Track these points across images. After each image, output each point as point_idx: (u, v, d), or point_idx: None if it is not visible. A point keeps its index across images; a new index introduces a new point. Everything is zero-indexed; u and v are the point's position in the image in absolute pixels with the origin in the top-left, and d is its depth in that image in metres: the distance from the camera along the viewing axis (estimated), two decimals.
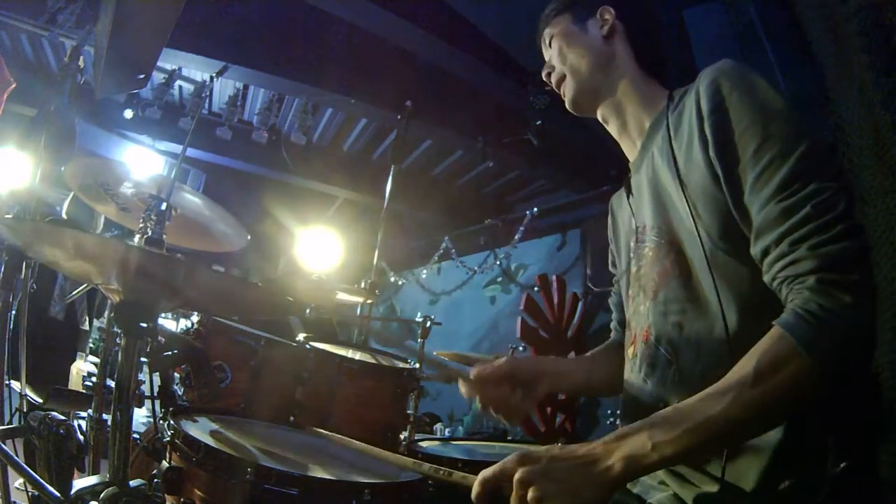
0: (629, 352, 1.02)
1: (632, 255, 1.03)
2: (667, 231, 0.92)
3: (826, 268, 0.69)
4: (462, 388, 1.10)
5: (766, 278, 0.76)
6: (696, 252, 0.85)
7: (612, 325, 1.24)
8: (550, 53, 1.10)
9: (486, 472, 0.71)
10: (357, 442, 1.04)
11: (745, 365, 0.69)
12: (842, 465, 0.75)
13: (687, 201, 0.86)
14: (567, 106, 1.10)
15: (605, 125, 1.10)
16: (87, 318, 3.20)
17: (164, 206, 1.51)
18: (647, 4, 1.11)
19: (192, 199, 1.80)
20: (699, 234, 0.84)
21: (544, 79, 1.12)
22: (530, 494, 0.66)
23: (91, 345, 3.58)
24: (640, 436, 0.69)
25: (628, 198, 1.06)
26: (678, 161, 0.88)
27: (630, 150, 1.07)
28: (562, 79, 1.08)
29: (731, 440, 0.74)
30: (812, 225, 0.71)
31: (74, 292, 2.28)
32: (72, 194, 2.21)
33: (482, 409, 1.10)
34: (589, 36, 1.05)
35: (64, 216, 2.66)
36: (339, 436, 1.09)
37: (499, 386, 1.08)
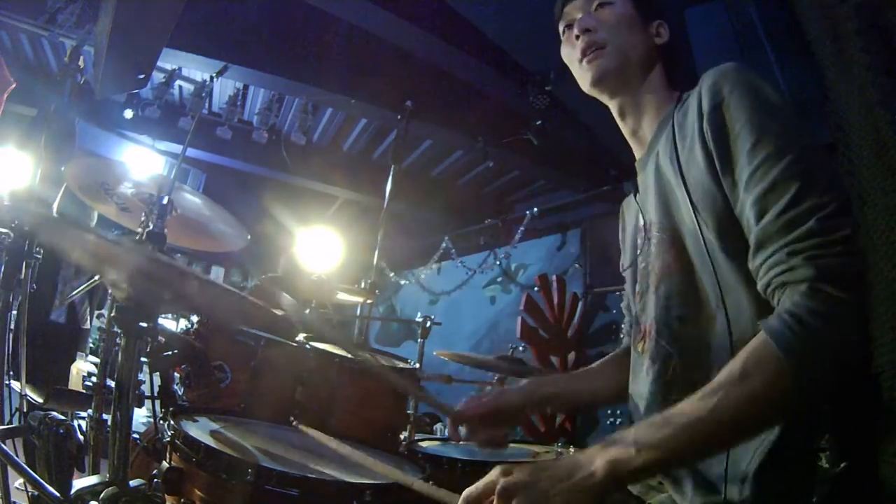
0: (638, 347, 1.03)
1: (639, 252, 1.04)
2: (669, 227, 0.93)
3: (821, 278, 0.68)
4: (448, 424, 1.09)
5: (760, 285, 0.75)
6: (698, 248, 0.86)
7: (624, 328, 1.23)
8: (594, 12, 1.03)
9: (469, 490, 0.71)
10: (348, 447, 1.04)
11: (732, 367, 0.69)
12: (842, 465, 0.75)
13: (689, 198, 0.87)
14: (590, 75, 1.02)
15: (619, 119, 1.08)
16: (89, 317, 3.20)
17: (165, 201, 1.52)
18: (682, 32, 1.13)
19: (191, 199, 1.80)
20: (701, 231, 0.85)
21: (575, 31, 1.02)
22: None
23: (91, 344, 3.59)
24: (625, 441, 0.68)
25: (636, 196, 1.07)
26: (681, 159, 0.89)
27: (638, 149, 1.07)
28: (601, 46, 1.00)
29: (716, 442, 0.72)
30: (815, 240, 0.70)
31: (74, 292, 2.28)
32: (62, 189, 2.21)
33: (464, 440, 1.09)
34: (646, 34, 1.04)
35: (55, 213, 2.65)
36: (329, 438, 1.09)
37: (483, 424, 1.07)
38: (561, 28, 1.09)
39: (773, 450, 0.77)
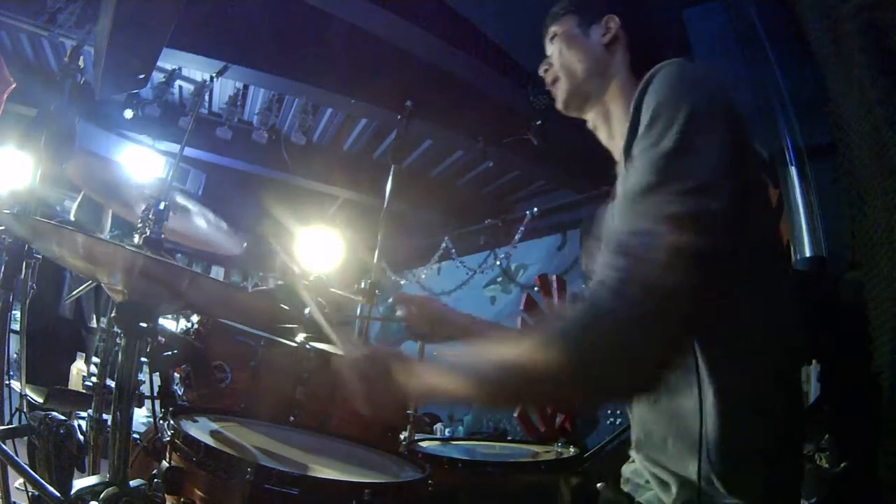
0: None
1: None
2: None
3: (611, 278, 0.66)
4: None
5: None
6: None
7: None
8: (552, 50, 1.11)
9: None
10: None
11: (524, 338, 0.74)
12: (842, 465, 0.75)
13: None
14: (557, 105, 1.11)
15: (594, 131, 1.11)
16: (95, 316, 3.21)
17: (162, 206, 1.51)
18: (651, 15, 1.11)
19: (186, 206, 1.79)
20: None
21: (541, 74, 1.13)
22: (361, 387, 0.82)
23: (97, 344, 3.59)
24: (434, 377, 0.79)
25: (610, 203, 1.08)
26: None
27: (617, 155, 1.08)
28: (556, 78, 1.09)
29: (492, 402, 0.82)
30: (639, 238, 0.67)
31: (77, 290, 2.28)
32: (80, 197, 2.21)
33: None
34: (590, 41, 1.06)
35: (72, 218, 2.67)
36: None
37: (419, 311, 1.25)
38: None
39: (747, 448, 0.77)
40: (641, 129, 0.77)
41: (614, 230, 0.73)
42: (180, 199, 1.73)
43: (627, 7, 1.07)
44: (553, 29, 1.11)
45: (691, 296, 0.63)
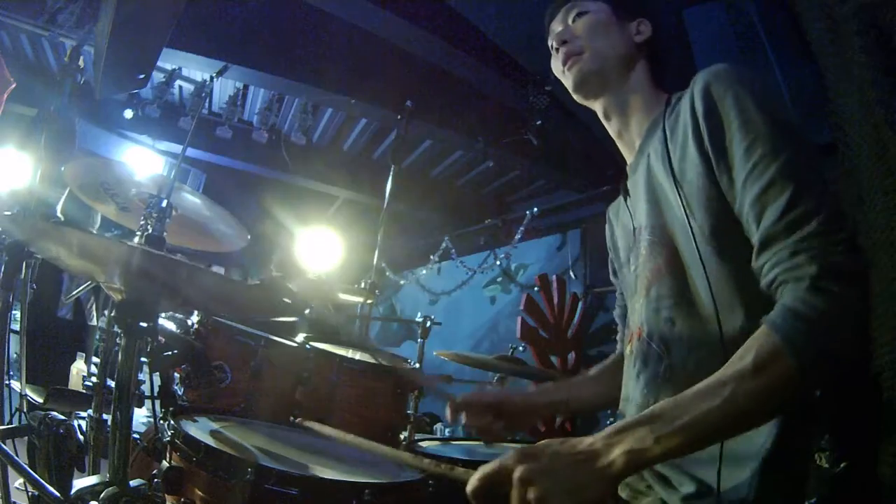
0: (626, 350, 1.03)
1: (630, 256, 1.04)
2: (660, 229, 0.93)
3: (824, 276, 0.69)
4: (448, 411, 1.12)
5: (764, 282, 0.75)
6: (689, 248, 0.87)
7: (619, 336, 1.24)
8: (572, 24, 1.07)
9: (485, 468, 0.70)
10: (355, 437, 1.02)
11: (741, 359, 0.69)
12: (842, 465, 0.75)
13: (681, 199, 0.87)
14: (571, 80, 1.06)
15: (605, 121, 1.10)
16: (96, 315, 3.20)
17: (164, 204, 1.51)
18: (667, 29, 1.13)
19: (191, 199, 1.80)
20: (692, 232, 0.85)
21: (555, 44, 1.07)
22: (531, 494, 0.66)
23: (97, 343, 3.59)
24: (641, 429, 0.68)
25: (626, 200, 1.07)
26: (673, 161, 0.89)
27: (628, 152, 1.08)
28: (578, 52, 1.04)
29: (728, 433, 0.72)
30: (818, 240, 0.71)
31: (76, 290, 2.27)
32: (66, 192, 2.19)
33: (460, 425, 1.14)
34: (625, 34, 1.06)
35: (59, 215, 2.66)
36: (337, 431, 1.07)
37: (481, 414, 1.10)
38: (550, 44, 1.11)
39: (772, 450, 0.77)
40: (738, 137, 0.80)
41: (772, 230, 0.74)
42: (186, 192, 1.73)
43: (656, 18, 1.09)
44: (582, 4, 1.07)
45: (866, 278, 0.69)
